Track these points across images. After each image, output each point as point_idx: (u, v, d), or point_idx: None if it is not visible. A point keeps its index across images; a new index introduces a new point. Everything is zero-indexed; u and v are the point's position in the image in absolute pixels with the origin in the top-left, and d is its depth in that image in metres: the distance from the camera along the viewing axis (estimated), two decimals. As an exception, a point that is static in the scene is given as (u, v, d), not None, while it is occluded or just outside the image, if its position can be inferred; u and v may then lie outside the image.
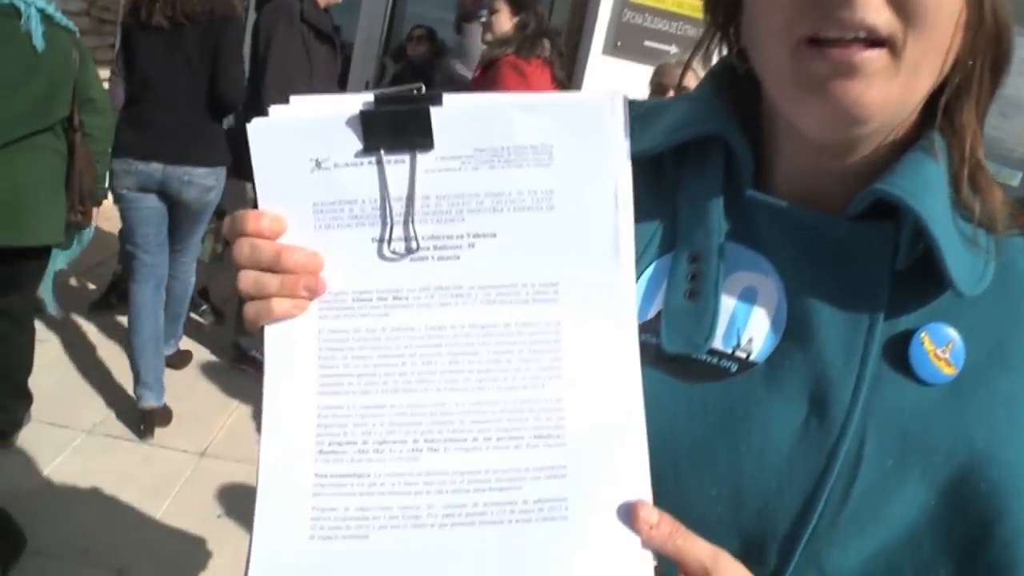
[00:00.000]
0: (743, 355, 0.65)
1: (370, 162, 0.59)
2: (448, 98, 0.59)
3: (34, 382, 3.15)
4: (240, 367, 4.02)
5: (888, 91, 0.58)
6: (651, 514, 0.57)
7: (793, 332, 0.64)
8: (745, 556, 0.60)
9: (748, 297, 0.67)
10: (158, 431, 3.35)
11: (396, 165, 0.59)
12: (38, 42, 2.66)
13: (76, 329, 4.06)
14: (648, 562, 0.56)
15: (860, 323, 0.63)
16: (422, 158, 0.59)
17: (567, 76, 3.78)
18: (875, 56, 0.56)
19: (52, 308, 3.27)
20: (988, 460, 0.60)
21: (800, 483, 0.61)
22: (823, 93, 0.58)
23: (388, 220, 0.59)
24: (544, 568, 0.56)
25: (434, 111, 0.59)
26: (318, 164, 0.60)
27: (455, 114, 0.59)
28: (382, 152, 0.59)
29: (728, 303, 0.67)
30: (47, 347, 3.64)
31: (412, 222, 0.59)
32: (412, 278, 0.60)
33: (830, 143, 0.63)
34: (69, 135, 2.85)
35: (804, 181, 0.68)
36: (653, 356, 0.66)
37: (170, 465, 3.18)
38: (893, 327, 0.63)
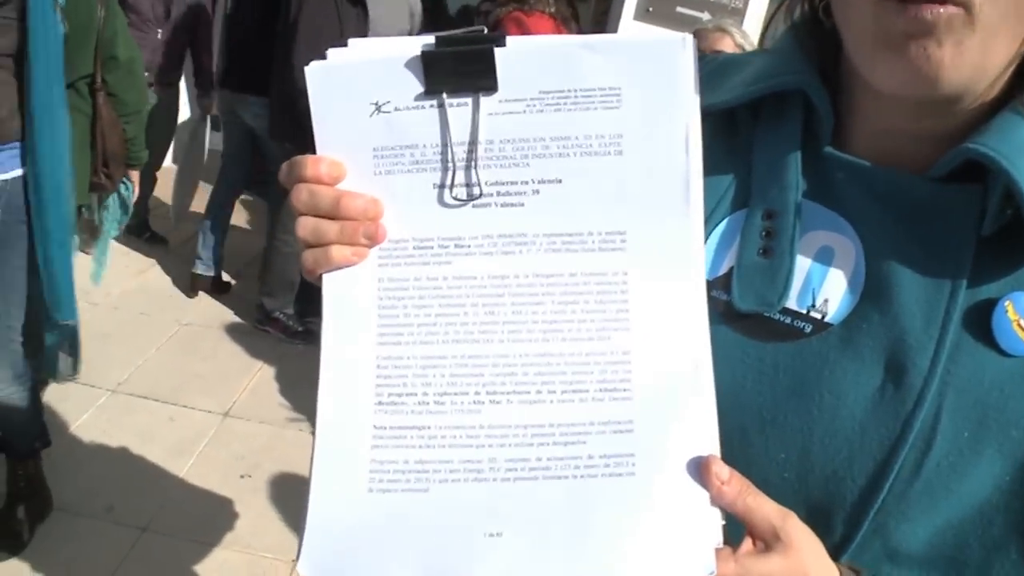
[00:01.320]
0: (818, 316, 0.64)
1: (431, 105, 0.58)
2: (512, 40, 0.57)
3: (60, 340, 3.16)
4: (263, 328, 4.03)
5: (962, 51, 0.55)
6: (722, 470, 0.55)
7: (871, 295, 0.62)
8: (810, 525, 0.59)
9: (824, 257, 0.65)
10: (183, 393, 3.36)
11: (459, 108, 0.58)
12: None
13: (101, 289, 4.08)
14: (716, 520, 0.55)
15: (942, 288, 0.60)
16: (485, 101, 0.58)
17: (578, 31, 3.73)
18: (953, 13, 0.54)
19: (98, 280, 3.27)
20: None
21: (872, 451, 0.60)
22: (898, 49, 0.56)
23: (450, 165, 0.58)
24: (609, 524, 0.55)
25: (498, 51, 0.57)
26: (378, 108, 0.58)
27: (519, 55, 0.57)
28: (444, 95, 0.58)
29: (804, 262, 0.65)
30: (72, 305, 3.66)
31: (475, 167, 0.58)
32: (475, 225, 0.58)
33: (906, 102, 0.61)
34: (93, 95, 2.79)
35: (884, 142, 0.65)
36: (723, 313, 0.65)
37: (194, 425, 3.20)
38: (976, 294, 0.61)
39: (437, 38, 0.57)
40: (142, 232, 4.71)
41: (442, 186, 0.58)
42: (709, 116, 0.70)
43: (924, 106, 0.61)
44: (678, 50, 0.57)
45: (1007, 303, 0.60)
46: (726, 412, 0.60)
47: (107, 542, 2.53)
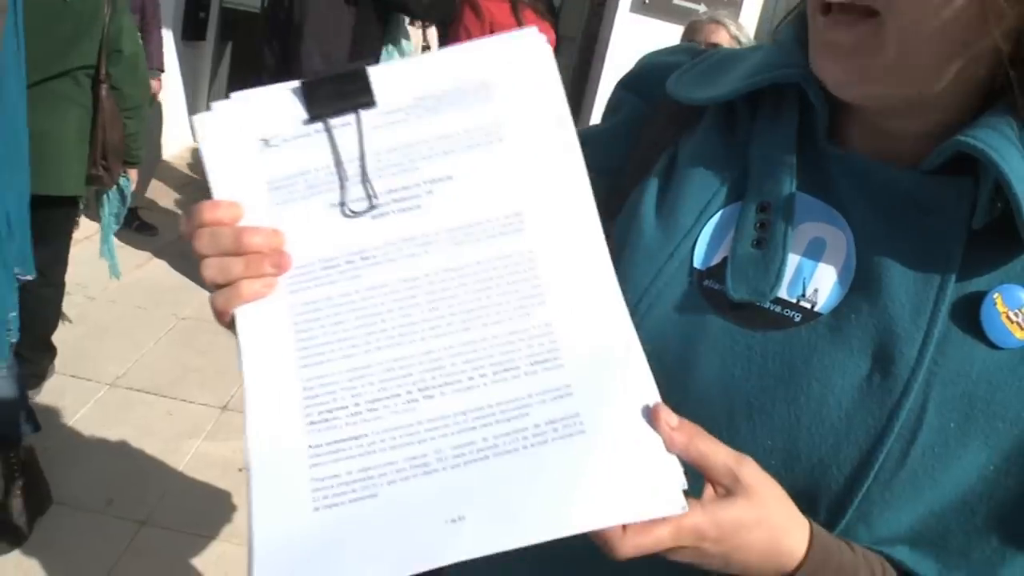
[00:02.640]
0: (808, 305, 0.65)
1: (317, 130, 0.60)
2: (387, 63, 0.61)
3: (58, 336, 3.16)
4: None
5: (872, 59, 0.59)
6: (671, 416, 0.55)
7: (861, 285, 0.63)
8: None
9: (816, 248, 0.66)
10: (181, 387, 3.37)
11: (343, 128, 0.60)
12: None
13: (99, 284, 4.08)
14: (675, 466, 0.55)
15: (931, 281, 0.61)
16: (367, 116, 0.60)
17: (547, 9, 3.72)
18: (857, 27, 0.59)
19: (116, 272, 3.31)
20: None
21: (858, 440, 0.60)
22: (826, 57, 0.62)
23: (344, 181, 0.59)
24: (570, 481, 0.55)
25: (371, 69, 0.59)
26: (266, 143, 0.60)
27: (392, 69, 0.60)
28: (328, 118, 0.60)
29: (796, 252, 0.66)
30: (70, 301, 3.65)
31: (367, 179, 0.59)
32: (376, 235, 0.59)
33: (847, 100, 0.65)
34: (96, 87, 2.81)
35: (878, 137, 0.66)
36: (716, 302, 0.66)
37: (192, 418, 3.21)
38: (965, 287, 0.61)
39: (311, 75, 0.60)
40: (131, 222, 4.66)
41: (339, 204, 0.59)
42: (708, 109, 0.71)
43: (891, 106, 0.63)
44: (532, 40, 0.61)
45: (996, 296, 0.60)
46: (715, 399, 0.61)
47: (106, 535, 2.53)
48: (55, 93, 2.69)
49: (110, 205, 3.08)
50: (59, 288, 3.09)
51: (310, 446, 0.57)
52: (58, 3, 2.60)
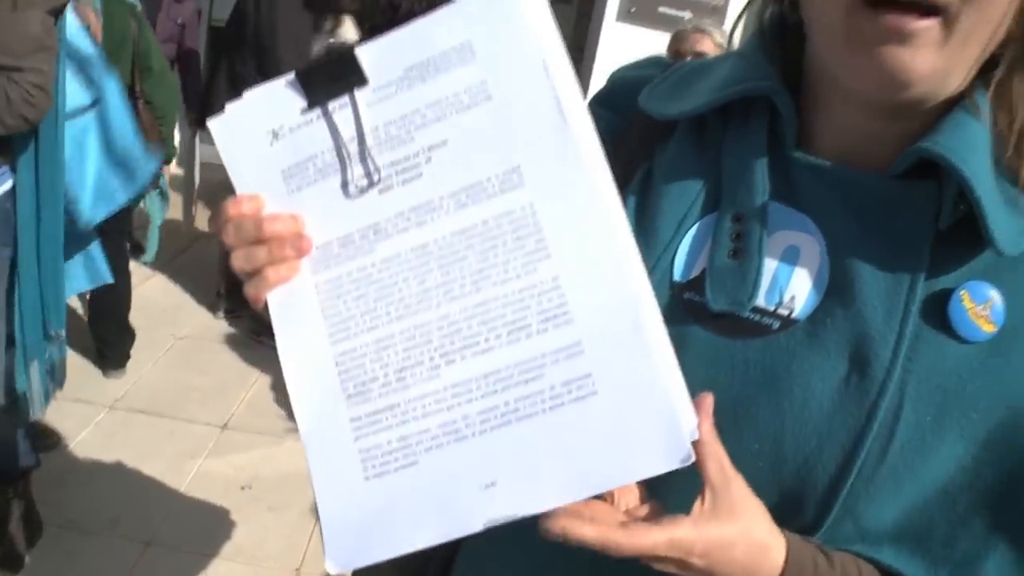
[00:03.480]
0: (785, 312, 0.67)
1: (318, 116, 0.63)
2: (374, 40, 0.62)
3: (57, 359, 3.19)
4: (258, 339, 4.04)
5: (936, 60, 0.59)
6: (708, 404, 0.57)
7: (835, 290, 0.65)
8: (783, 509, 0.62)
9: (791, 255, 0.68)
10: (181, 406, 3.39)
11: (341, 110, 0.62)
12: (96, 7, 2.78)
13: (95, 306, 4.10)
14: (688, 412, 0.56)
15: (901, 282, 0.63)
16: (360, 95, 0.62)
17: None
18: (929, 26, 0.57)
19: (151, 256, 3.64)
20: None
21: (840, 439, 0.62)
22: (873, 55, 0.59)
23: (347, 161, 0.62)
24: (589, 442, 0.57)
25: (358, 50, 0.61)
26: (275, 135, 0.63)
27: (377, 46, 0.62)
28: (326, 103, 0.62)
29: (771, 261, 0.68)
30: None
31: (368, 155, 0.62)
32: (385, 208, 0.62)
33: (876, 104, 0.64)
34: (133, 103, 2.99)
35: (848, 140, 0.68)
36: (697, 314, 0.68)
37: (193, 438, 3.22)
38: (933, 285, 0.64)
39: (308, 62, 0.63)
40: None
41: (346, 183, 0.62)
42: (680, 123, 0.73)
43: (889, 107, 0.64)
44: None
45: (962, 293, 0.63)
46: None
47: (112, 557, 2.54)
48: None
49: (155, 202, 3.40)
50: (128, 277, 3.53)
51: (351, 419, 0.62)
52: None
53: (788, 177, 0.69)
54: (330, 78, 0.62)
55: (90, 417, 3.23)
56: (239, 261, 0.63)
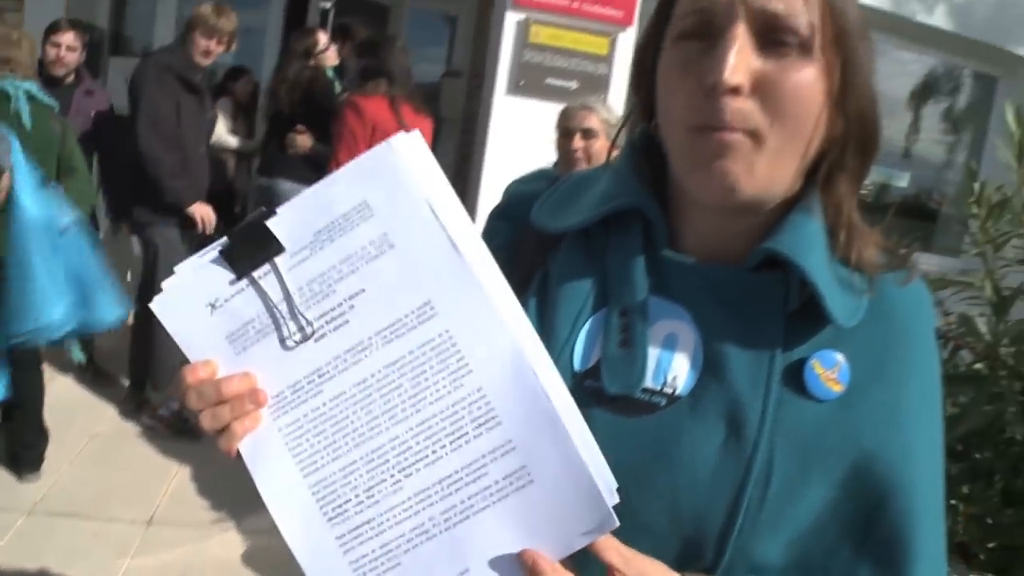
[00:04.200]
0: (670, 391, 0.78)
1: (246, 285, 0.72)
2: (280, 208, 0.71)
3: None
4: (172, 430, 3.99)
5: (753, 168, 0.72)
6: (611, 542, 0.68)
7: (709, 368, 0.77)
8: (684, 555, 0.74)
9: (671, 341, 0.79)
10: (102, 505, 3.33)
11: (266, 276, 0.71)
12: (26, 120, 3.03)
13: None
14: (606, 494, 0.67)
15: (763, 357, 0.75)
16: (280, 260, 0.71)
17: (423, 100, 3.95)
18: (741, 140, 0.71)
19: (78, 356, 3.71)
20: (874, 456, 0.74)
21: (725, 492, 0.73)
22: (710, 170, 0.73)
23: (280, 320, 0.71)
24: (538, 527, 0.68)
25: (270, 223, 0.70)
26: (212, 307, 0.72)
27: (286, 217, 0.70)
28: (251, 272, 0.71)
29: (654, 348, 0.79)
30: (-23, 431, 3.58)
31: (298, 312, 0.71)
32: (323, 354, 0.71)
33: (721, 210, 0.77)
34: None
35: (708, 239, 0.81)
36: (598, 398, 0.78)
37: (118, 537, 3.16)
38: (790, 357, 0.76)
39: (228, 235, 0.72)
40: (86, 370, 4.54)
41: (283, 339, 0.71)
42: (568, 235, 0.85)
43: (734, 211, 0.77)
44: (387, 151, 0.68)
45: (814, 361, 0.75)
46: None
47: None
48: None
49: None
50: (41, 376, 3.55)
51: (336, 537, 0.71)
52: (21, 135, 2.93)
53: (663, 273, 0.80)
54: (250, 251, 0.71)
55: (8, 524, 3.15)
56: (207, 421, 0.72)
